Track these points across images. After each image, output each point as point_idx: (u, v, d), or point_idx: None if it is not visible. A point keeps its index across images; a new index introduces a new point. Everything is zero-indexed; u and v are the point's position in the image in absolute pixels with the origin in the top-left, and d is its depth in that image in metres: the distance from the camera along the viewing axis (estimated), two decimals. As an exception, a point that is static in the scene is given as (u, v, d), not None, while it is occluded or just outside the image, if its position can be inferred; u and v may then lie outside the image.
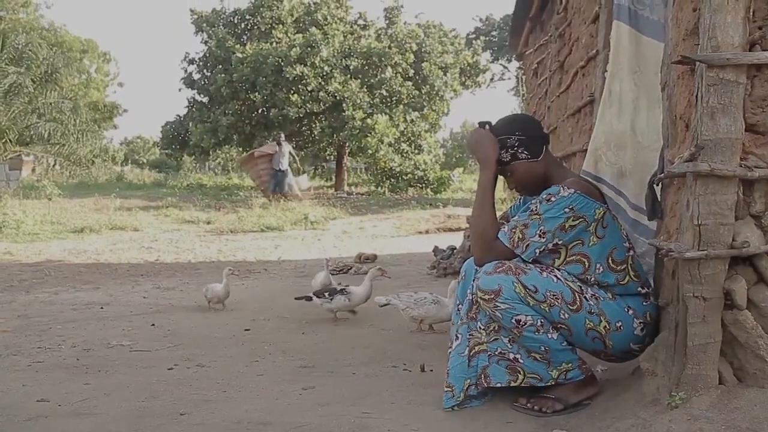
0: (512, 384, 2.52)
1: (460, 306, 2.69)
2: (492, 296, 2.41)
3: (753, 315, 2.04)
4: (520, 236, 2.47)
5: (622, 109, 3.33)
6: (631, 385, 2.43)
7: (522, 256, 2.47)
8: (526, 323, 2.40)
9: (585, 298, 2.45)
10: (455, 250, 6.61)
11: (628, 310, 2.48)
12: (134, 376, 3.16)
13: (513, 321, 2.41)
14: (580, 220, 2.46)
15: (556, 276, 2.46)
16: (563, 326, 2.44)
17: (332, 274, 6.58)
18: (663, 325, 2.43)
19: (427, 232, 12.25)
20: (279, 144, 16.83)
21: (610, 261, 2.51)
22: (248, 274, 7.10)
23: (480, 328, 2.55)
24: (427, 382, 2.97)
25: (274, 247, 9.78)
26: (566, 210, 2.44)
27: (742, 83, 2.01)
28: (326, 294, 4.38)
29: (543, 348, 2.45)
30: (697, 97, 2.07)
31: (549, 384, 2.51)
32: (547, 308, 2.40)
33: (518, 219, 2.52)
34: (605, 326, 2.45)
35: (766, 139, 2.08)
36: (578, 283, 2.48)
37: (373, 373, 3.13)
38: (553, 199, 2.47)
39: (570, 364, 2.50)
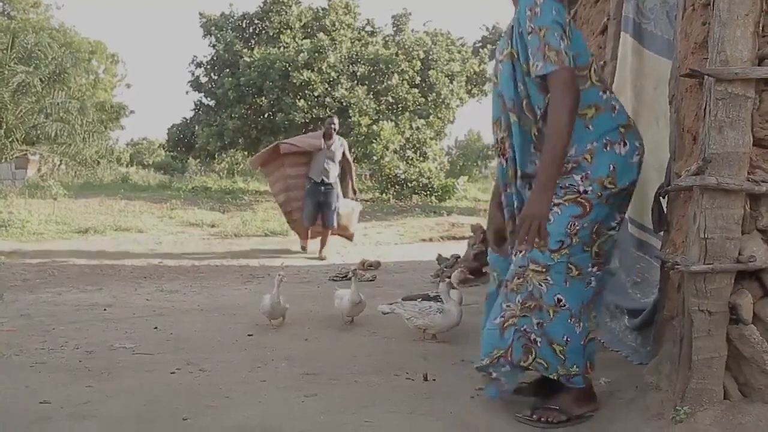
0: (522, 363, 2.52)
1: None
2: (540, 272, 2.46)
3: (759, 330, 2.04)
4: (553, 53, 2.33)
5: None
6: (635, 399, 2.43)
7: (569, 63, 2.32)
8: (565, 305, 2.43)
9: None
10: (459, 259, 6.61)
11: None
12: (136, 379, 3.16)
13: (555, 298, 2.44)
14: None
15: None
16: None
17: (334, 280, 6.58)
18: (667, 339, 2.42)
19: (431, 239, 12.22)
20: (329, 134, 9.03)
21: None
22: (251, 279, 7.09)
23: (518, 301, 2.53)
24: (429, 391, 2.96)
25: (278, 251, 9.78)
26: (552, 12, 2.37)
27: (751, 97, 2.02)
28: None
29: (566, 339, 2.45)
30: (705, 110, 2.07)
31: (551, 376, 2.51)
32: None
33: (532, 45, 2.38)
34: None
35: (774, 153, 2.08)
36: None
37: (376, 382, 3.12)
38: (537, 9, 2.40)
39: (577, 369, 2.49)
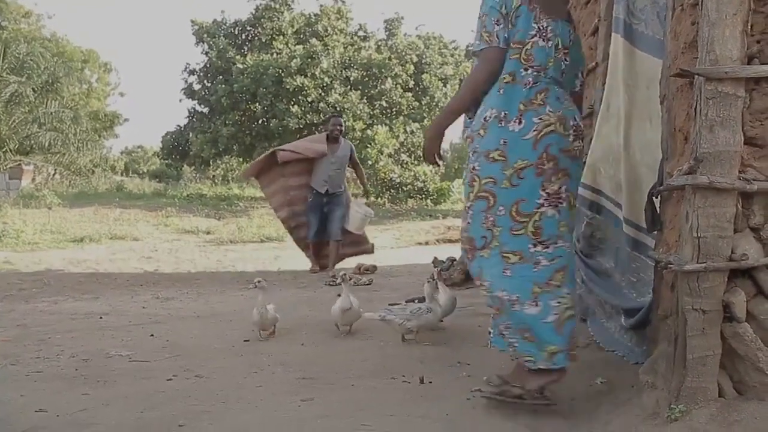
0: (513, 360, 2.74)
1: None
2: (479, 282, 2.72)
3: (752, 327, 2.04)
4: (487, 34, 2.70)
5: (619, 123, 3.35)
6: (631, 398, 2.43)
7: (500, 45, 2.68)
8: (507, 298, 2.61)
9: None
10: (455, 261, 6.61)
11: None
12: (133, 386, 3.15)
13: (497, 298, 2.64)
14: (507, 11, 2.68)
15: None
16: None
17: (331, 285, 6.56)
18: (662, 338, 2.43)
19: (426, 243, 12.24)
20: (334, 138, 7.80)
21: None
22: (247, 285, 7.08)
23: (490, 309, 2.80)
24: (426, 394, 2.96)
25: (274, 257, 9.76)
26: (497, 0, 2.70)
27: (741, 96, 2.03)
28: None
29: (527, 324, 2.61)
30: (695, 110, 2.08)
31: (541, 366, 2.60)
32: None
33: (477, 28, 2.74)
34: None
35: (765, 152, 2.09)
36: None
37: (372, 386, 3.12)
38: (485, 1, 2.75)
39: (554, 347, 2.59)
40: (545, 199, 2.64)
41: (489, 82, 2.72)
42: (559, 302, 2.60)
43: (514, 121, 2.63)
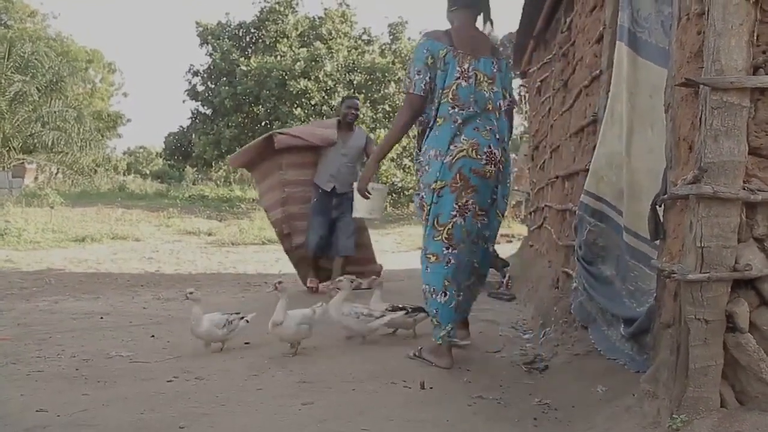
0: None
1: None
2: None
3: (755, 338, 2.04)
4: (409, 80, 3.47)
5: (622, 130, 3.35)
6: (631, 407, 2.43)
7: (415, 92, 3.43)
8: (425, 291, 3.54)
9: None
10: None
11: None
12: (133, 387, 3.15)
13: (423, 291, 3.55)
14: (433, 60, 3.41)
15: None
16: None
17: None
18: (664, 347, 2.43)
19: (427, 247, 12.20)
20: (347, 123, 6.33)
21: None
22: (248, 287, 7.08)
23: None
24: (426, 399, 2.96)
25: (275, 260, 9.76)
26: (424, 51, 3.43)
27: (746, 106, 2.02)
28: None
29: (435, 311, 3.49)
30: (700, 119, 2.08)
31: (439, 342, 3.53)
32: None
33: (406, 73, 3.66)
34: None
35: (770, 162, 2.08)
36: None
37: (373, 390, 3.12)
38: (415, 50, 3.55)
39: (452, 324, 3.51)
40: (457, 211, 3.38)
41: (410, 124, 3.55)
42: (457, 288, 3.46)
43: (444, 155, 3.36)
